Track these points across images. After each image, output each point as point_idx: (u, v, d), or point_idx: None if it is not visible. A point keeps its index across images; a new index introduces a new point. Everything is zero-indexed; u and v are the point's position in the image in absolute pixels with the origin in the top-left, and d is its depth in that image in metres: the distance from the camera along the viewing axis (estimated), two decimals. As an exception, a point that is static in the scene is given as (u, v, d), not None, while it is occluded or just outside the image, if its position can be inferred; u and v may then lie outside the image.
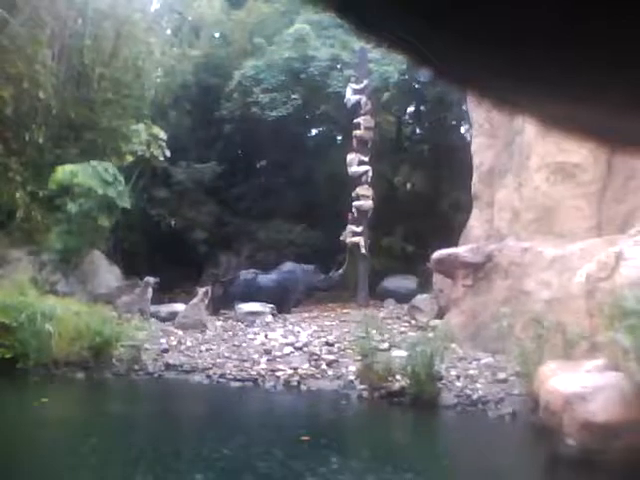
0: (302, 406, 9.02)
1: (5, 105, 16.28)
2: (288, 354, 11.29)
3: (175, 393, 9.97)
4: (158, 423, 7.52)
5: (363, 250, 18.21)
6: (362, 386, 9.15)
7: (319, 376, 10.02)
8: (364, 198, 18.26)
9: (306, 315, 15.74)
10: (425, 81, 19.39)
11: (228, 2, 24.85)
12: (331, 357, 10.81)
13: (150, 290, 15.02)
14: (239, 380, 10.12)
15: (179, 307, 15.30)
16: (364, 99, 18.67)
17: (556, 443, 5.87)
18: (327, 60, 21.41)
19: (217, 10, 25.56)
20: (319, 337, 12.28)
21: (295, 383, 9.83)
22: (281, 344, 11.90)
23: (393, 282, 18.69)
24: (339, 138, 22.67)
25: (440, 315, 12.41)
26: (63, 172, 14.40)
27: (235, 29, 25.22)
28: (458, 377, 8.93)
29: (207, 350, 11.81)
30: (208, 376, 10.53)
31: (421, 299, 13.09)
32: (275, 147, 22.77)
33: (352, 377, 9.61)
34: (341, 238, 18.62)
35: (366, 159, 18.56)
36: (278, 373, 10.26)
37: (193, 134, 23.87)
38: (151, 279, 15.00)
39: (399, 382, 8.82)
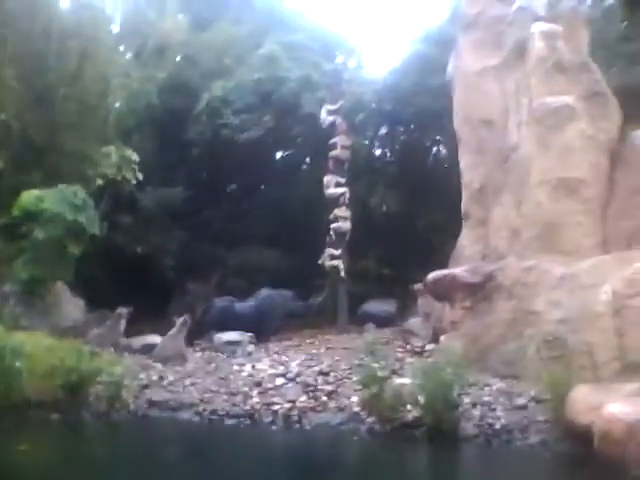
0: (310, 446, 8.28)
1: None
2: (280, 385, 10.58)
3: (163, 434, 9.10)
4: (150, 472, 6.70)
5: (342, 273, 17.66)
6: (371, 418, 8.50)
7: (320, 409, 9.33)
8: (342, 220, 17.78)
9: (288, 343, 15.04)
10: (398, 103, 19.24)
11: (194, 23, 24.27)
12: (329, 387, 10.16)
13: (123, 322, 14.15)
14: (233, 417, 9.36)
15: (153, 339, 14.41)
16: (339, 119, 18.30)
17: (620, 474, 5.37)
18: (298, 81, 21.01)
19: (183, 31, 24.93)
20: (310, 366, 11.60)
21: (296, 418, 9.13)
22: (270, 375, 11.19)
23: (372, 306, 18.15)
24: (311, 160, 22.20)
25: (435, 339, 11.90)
26: (28, 197, 13.46)
27: (202, 50, 24.61)
28: (474, 405, 8.39)
29: (192, 384, 11.00)
30: (197, 413, 9.73)
31: (414, 323, 12.58)
32: (246, 170, 22.16)
33: (357, 408, 8.97)
34: (319, 262, 18.03)
35: (343, 180, 18.13)
36: (274, 407, 9.54)
37: (158, 157, 22.96)
38: (124, 310, 14.11)
39: (410, 412, 8.22)
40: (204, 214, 23.23)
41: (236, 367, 11.96)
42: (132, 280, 20.20)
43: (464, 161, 12.80)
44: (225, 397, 10.24)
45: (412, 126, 19.79)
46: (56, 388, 10.27)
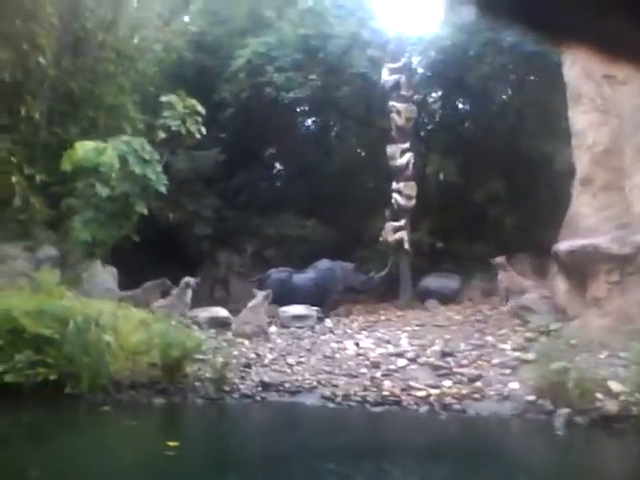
0: (508, 442, 7.05)
1: (1, 70, 13.44)
2: (404, 367, 9.32)
3: (313, 424, 7.71)
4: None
5: (406, 246, 16.37)
6: (563, 410, 7.27)
7: (477, 396, 8.08)
8: (406, 198, 16.44)
9: (361, 319, 13.73)
10: (463, 65, 17.85)
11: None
12: (468, 371, 8.91)
13: (189, 293, 12.65)
14: (376, 403, 8.03)
15: (219, 311, 13.00)
16: (403, 78, 16.84)
17: None
18: (347, 38, 19.42)
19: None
20: (422, 345, 10.32)
21: (458, 407, 7.85)
22: (383, 355, 9.92)
23: (433, 281, 16.93)
24: (358, 124, 20.71)
25: (560, 317, 10.70)
26: (84, 149, 11.79)
27: (231, 5, 22.82)
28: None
29: (298, 364, 9.65)
30: (326, 398, 8.39)
31: (531, 299, 11.34)
32: (286, 133, 20.66)
33: (530, 397, 7.72)
34: (381, 238, 16.71)
35: (407, 146, 16.75)
36: (417, 393, 8.26)
37: (188, 118, 21.17)
38: (191, 280, 12.64)
39: (606, 402, 7.01)
40: (237, 180, 21.70)
41: (335, 345, 10.64)
42: (159, 248, 18.64)
43: (583, 121, 11.52)
44: (346, 379, 8.94)
45: (476, 90, 18.37)
46: (150, 367, 8.86)
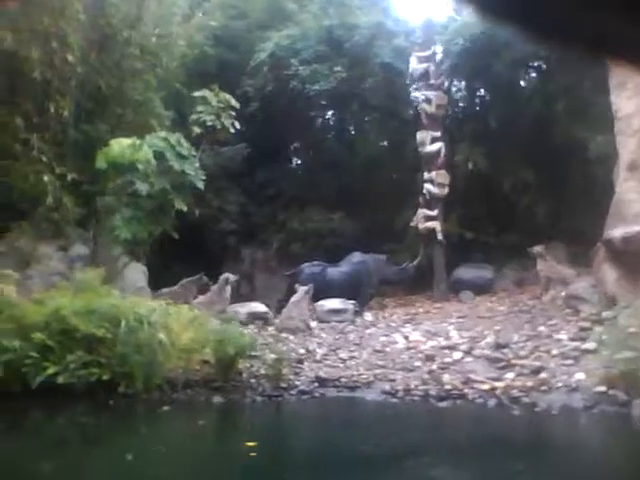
0: (591, 436, 6.87)
1: (31, 69, 13.28)
2: (460, 360, 9.15)
3: (386, 420, 7.51)
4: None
5: (440, 236, 16.16)
6: (640, 400, 7.08)
7: (545, 388, 7.89)
8: (439, 186, 16.21)
9: (400, 312, 13.56)
10: (492, 52, 17.56)
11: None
12: (528, 362, 8.72)
13: (229, 289, 12.51)
14: (441, 397, 7.87)
15: (258, 307, 12.85)
16: (432, 67, 16.61)
17: None
18: (371, 28, 19.18)
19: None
20: (472, 338, 10.13)
21: (526, 400, 7.67)
22: (435, 347, 9.75)
23: (467, 272, 16.71)
24: (382, 115, 20.48)
25: (609, 306, 10.47)
26: (119, 146, 11.64)
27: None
28: None
29: (350, 358, 9.49)
30: (387, 392, 8.24)
31: (582, 287, 11.10)
32: (310, 126, 20.45)
33: (601, 388, 7.53)
34: (412, 224, 16.51)
35: (439, 134, 16.52)
36: (481, 386, 8.09)
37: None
38: (231, 276, 12.50)
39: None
40: (261, 174, 21.55)
41: (383, 338, 10.47)
42: (184, 244, 18.52)
43: (628, 106, 11.27)
44: (402, 373, 8.79)
45: (505, 77, 18.09)
46: (203, 364, 8.73)
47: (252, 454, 5.44)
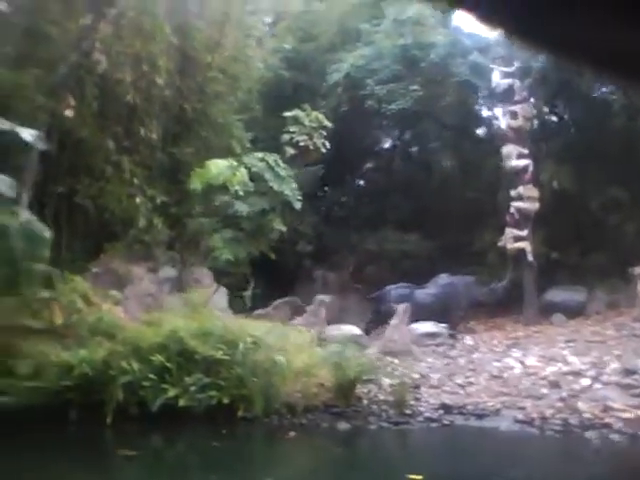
0: None
1: (124, 92, 13.43)
2: (589, 387, 8.58)
3: (549, 452, 7.03)
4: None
5: (530, 257, 15.59)
6: None
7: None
8: (529, 200, 15.68)
9: (498, 336, 13.01)
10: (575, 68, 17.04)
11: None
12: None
13: (324, 310, 12.24)
14: (586, 427, 7.34)
15: (351, 329, 12.53)
16: (517, 83, 16.20)
17: None
18: (446, 46, 18.94)
19: (297, 2, 23.14)
20: (594, 363, 9.56)
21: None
22: (556, 373, 9.21)
23: (559, 294, 16.06)
24: (455, 134, 20.13)
25: None
26: (217, 167, 11.56)
27: (319, 21, 22.73)
28: None
29: (468, 384, 9.05)
30: (521, 421, 7.74)
31: None
32: (384, 146, 20.21)
33: None
34: (499, 244, 15.99)
35: (526, 152, 16.03)
36: (624, 414, 7.55)
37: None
38: (325, 297, 12.25)
39: None
40: (333, 195, 21.41)
41: (497, 364, 9.98)
42: (258, 265, 18.42)
43: None
44: (532, 401, 8.32)
45: (587, 94, 17.54)
46: (320, 388, 8.41)
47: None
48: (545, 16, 0.59)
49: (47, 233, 7.75)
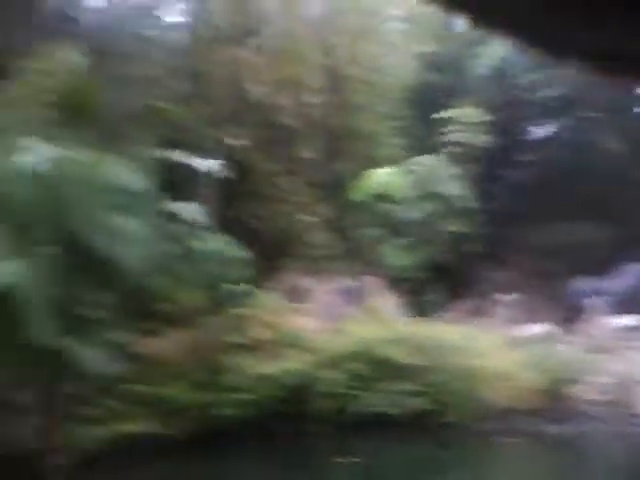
0: None
1: (286, 117, 13.85)
2: None
3: None
4: None
5: None
6: None
7: None
8: None
9: None
10: None
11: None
12: None
13: (509, 310, 11.74)
14: None
15: (544, 327, 11.84)
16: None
17: None
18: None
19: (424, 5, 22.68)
20: None
21: None
22: None
23: None
24: (612, 116, 18.67)
25: None
26: (378, 177, 11.51)
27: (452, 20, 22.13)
28: None
29: None
30: None
31: None
32: (539, 136, 19.20)
33: None
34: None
35: None
36: None
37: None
38: (508, 297, 11.72)
39: None
40: (492, 191, 20.60)
41: None
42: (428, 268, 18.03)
43: None
44: None
45: None
46: (524, 390, 7.99)
47: None
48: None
49: (242, 254, 8.11)
